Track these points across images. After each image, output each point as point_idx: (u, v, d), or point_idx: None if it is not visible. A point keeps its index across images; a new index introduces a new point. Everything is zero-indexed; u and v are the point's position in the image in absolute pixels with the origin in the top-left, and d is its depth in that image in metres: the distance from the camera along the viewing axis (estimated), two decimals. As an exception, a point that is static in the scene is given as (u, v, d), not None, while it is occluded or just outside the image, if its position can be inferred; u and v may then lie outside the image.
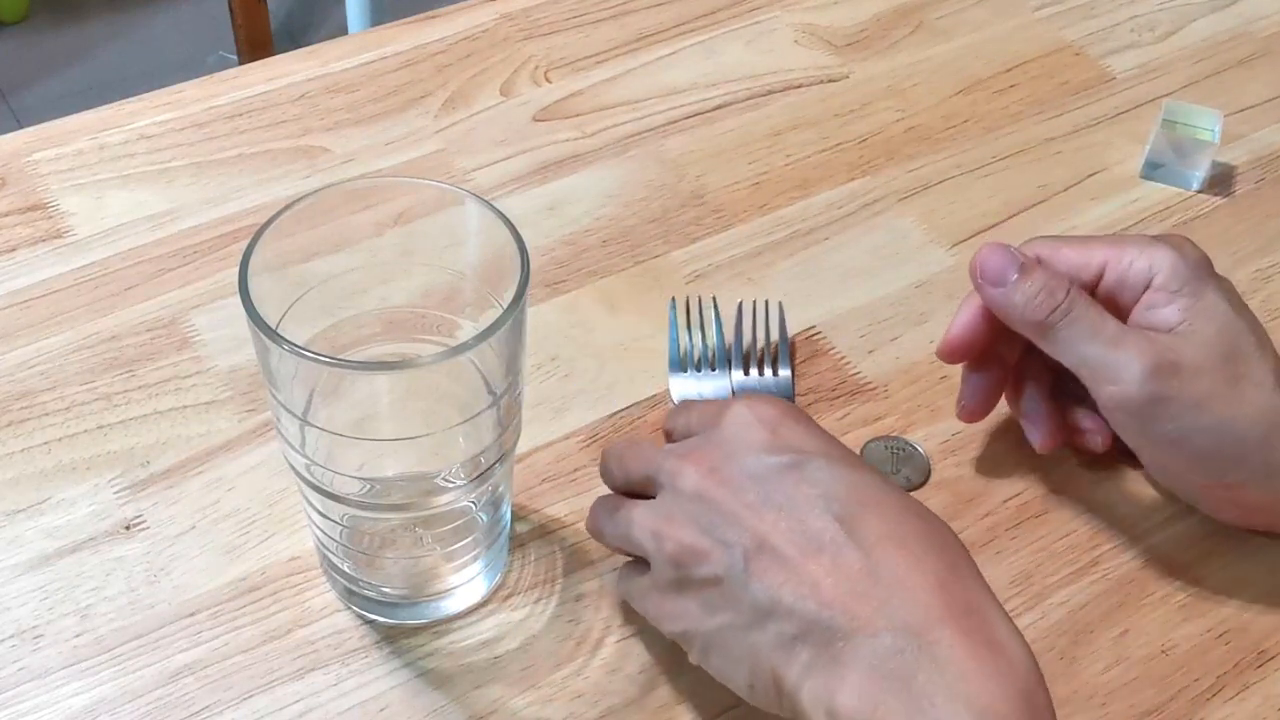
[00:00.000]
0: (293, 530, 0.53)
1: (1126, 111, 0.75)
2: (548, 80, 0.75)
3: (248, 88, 0.73)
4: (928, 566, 0.41)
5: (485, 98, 0.73)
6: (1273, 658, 0.51)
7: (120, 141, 0.70)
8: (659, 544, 0.45)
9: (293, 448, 0.45)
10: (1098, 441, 0.54)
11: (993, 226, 0.68)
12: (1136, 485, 0.57)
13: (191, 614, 0.51)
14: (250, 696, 0.48)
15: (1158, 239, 0.52)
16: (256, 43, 1.93)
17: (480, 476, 0.46)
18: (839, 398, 0.59)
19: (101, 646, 0.50)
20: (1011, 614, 0.51)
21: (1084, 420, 0.55)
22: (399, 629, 0.50)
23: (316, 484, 0.46)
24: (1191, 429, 0.48)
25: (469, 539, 0.49)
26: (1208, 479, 0.51)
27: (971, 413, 0.55)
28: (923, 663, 0.39)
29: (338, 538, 0.49)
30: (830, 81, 0.76)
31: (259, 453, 0.56)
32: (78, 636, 0.50)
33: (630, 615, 0.51)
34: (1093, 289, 0.52)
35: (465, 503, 0.48)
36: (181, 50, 2.12)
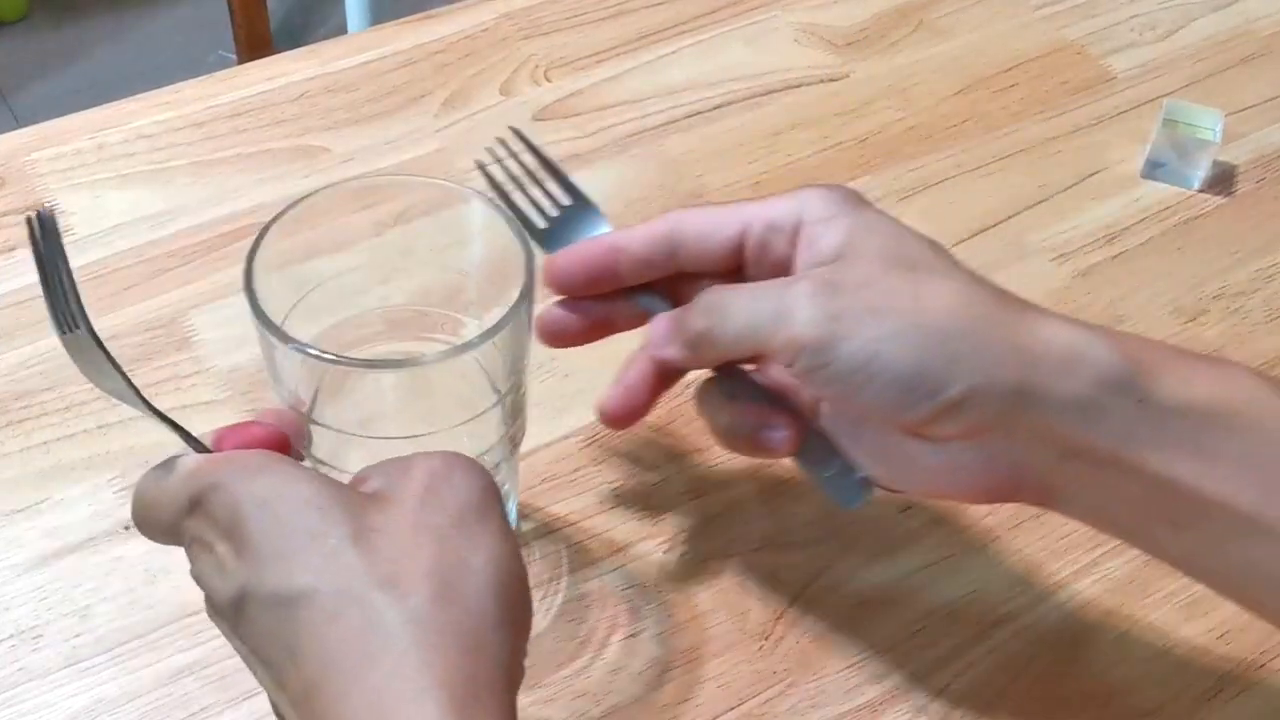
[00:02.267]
0: (292, 530, 0.53)
1: (1127, 111, 0.75)
2: (548, 80, 0.75)
3: (247, 87, 0.73)
4: (351, 705, 0.34)
5: (485, 97, 0.73)
6: (1274, 658, 0.51)
7: (119, 141, 0.70)
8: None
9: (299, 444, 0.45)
10: (777, 438, 0.45)
11: (993, 226, 0.68)
12: (1137, 485, 0.56)
13: (191, 614, 0.51)
14: (250, 696, 0.48)
15: (802, 186, 0.46)
16: (256, 42, 1.93)
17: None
18: (839, 397, 0.59)
19: (101, 646, 0.50)
20: (1012, 614, 0.52)
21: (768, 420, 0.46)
22: (399, 629, 0.50)
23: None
24: (876, 340, 0.40)
25: None
26: (925, 405, 0.40)
27: (615, 418, 0.47)
28: None
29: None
30: (830, 81, 0.76)
31: (259, 453, 0.56)
32: (77, 636, 0.50)
33: (634, 615, 0.51)
34: (734, 249, 0.45)
35: None
36: (181, 50, 2.11)
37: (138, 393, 0.38)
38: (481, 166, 0.50)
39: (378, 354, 0.47)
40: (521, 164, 0.50)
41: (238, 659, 0.49)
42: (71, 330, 0.36)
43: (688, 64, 0.77)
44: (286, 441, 0.40)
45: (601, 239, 0.47)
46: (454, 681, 0.33)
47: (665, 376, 0.47)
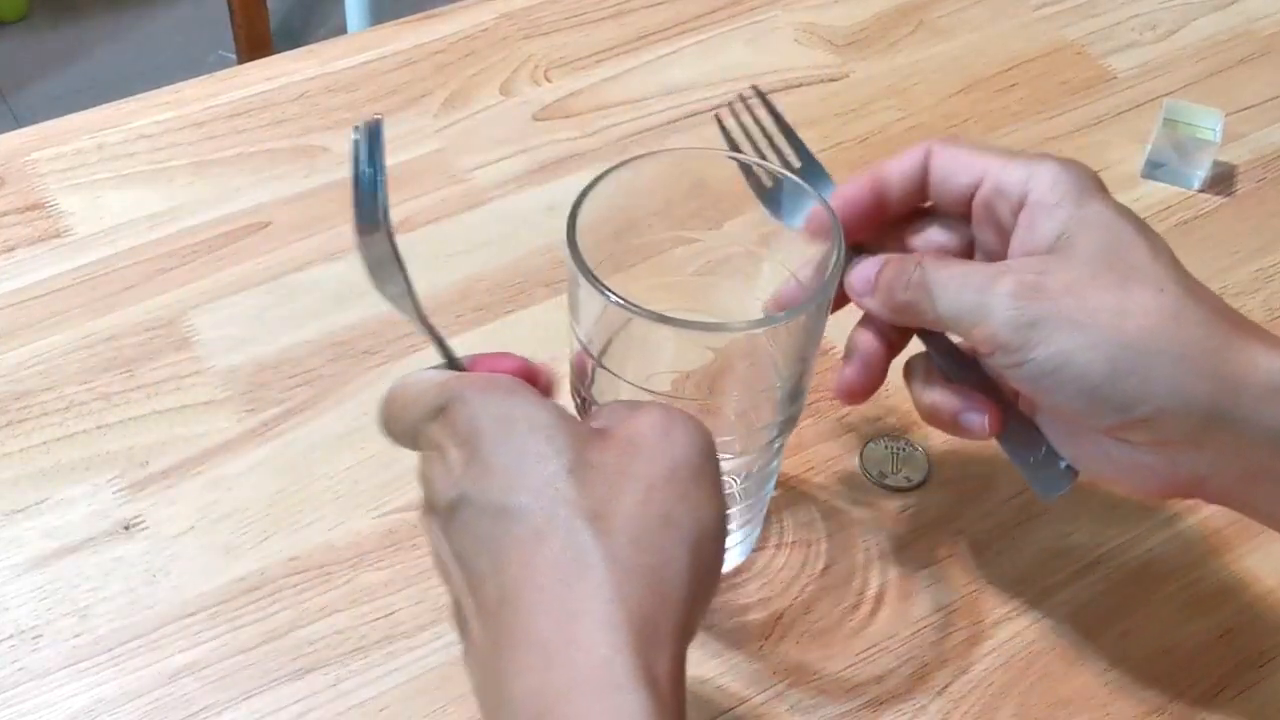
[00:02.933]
0: (292, 530, 0.53)
1: (1127, 111, 0.75)
2: (548, 80, 0.75)
3: (247, 87, 0.73)
4: (539, 626, 0.35)
5: (485, 97, 0.73)
6: (1274, 658, 0.51)
7: (119, 141, 0.70)
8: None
9: (577, 388, 0.47)
10: (976, 423, 0.46)
11: (993, 226, 0.67)
12: (1137, 485, 0.57)
13: (191, 614, 0.51)
14: (249, 697, 0.48)
15: (1045, 154, 0.46)
16: (256, 42, 1.93)
17: (747, 455, 0.48)
18: (839, 397, 0.59)
19: (101, 646, 0.50)
20: (1012, 614, 0.52)
21: (964, 402, 0.47)
22: (399, 628, 0.50)
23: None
24: (1070, 351, 0.41)
25: (728, 511, 0.50)
26: (1113, 418, 0.42)
27: (853, 393, 0.49)
28: None
29: None
30: (830, 81, 0.76)
31: (258, 453, 0.56)
32: (77, 637, 0.50)
33: (630, 615, 0.51)
34: (969, 197, 0.46)
35: (727, 476, 0.49)
36: (181, 50, 2.11)
37: (416, 304, 0.40)
38: (719, 119, 0.51)
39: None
40: (758, 121, 0.51)
41: (238, 659, 0.49)
42: (372, 232, 0.38)
43: (688, 64, 0.77)
44: (534, 374, 0.42)
45: (863, 175, 0.48)
46: (638, 621, 0.35)
47: (893, 345, 0.48)
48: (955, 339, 0.47)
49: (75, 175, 0.68)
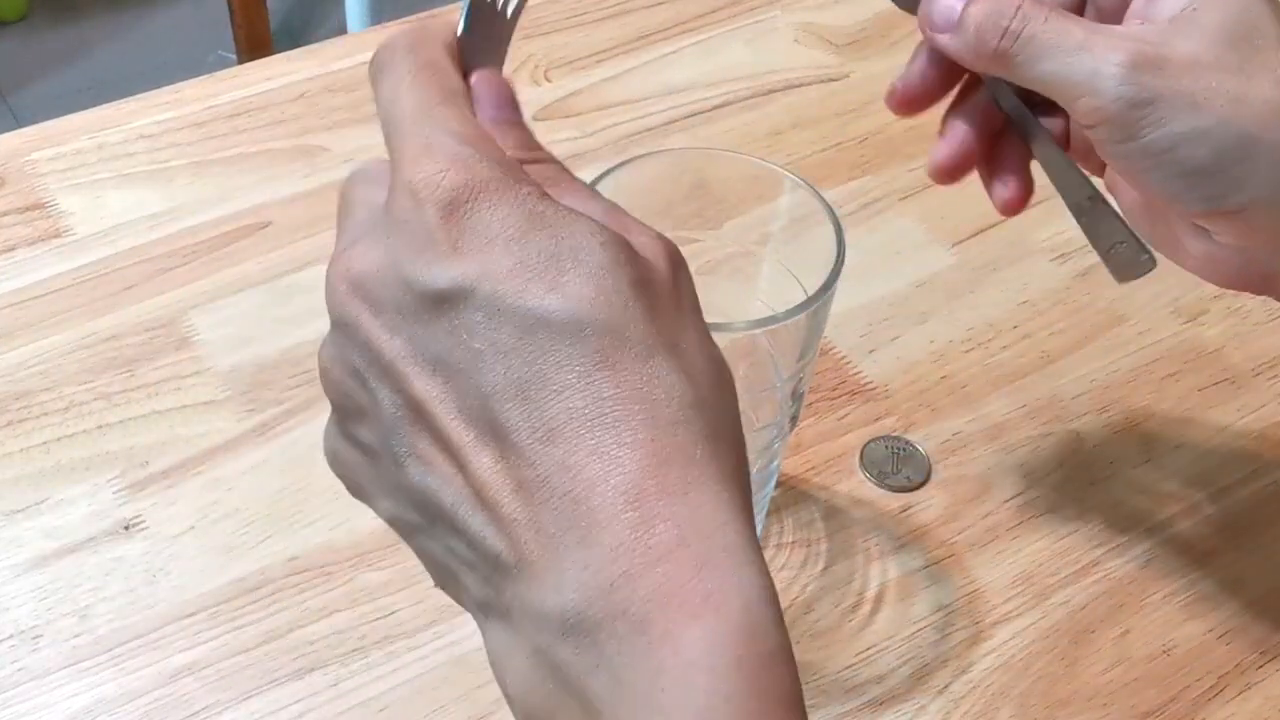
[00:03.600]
0: (292, 530, 0.53)
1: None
2: (548, 80, 0.75)
3: (247, 87, 0.73)
4: (620, 463, 0.27)
5: (485, 97, 0.73)
6: (1274, 658, 0.51)
7: (119, 141, 0.70)
8: (320, 361, 0.32)
9: None
10: (999, 194, 0.46)
11: (993, 226, 0.67)
12: (1137, 485, 0.56)
13: (191, 614, 0.51)
14: (249, 697, 0.48)
15: None
16: (256, 42, 1.93)
17: (752, 453, 0.48)
18: (839, 398, 0.59)
19: (101, 647, 0.50)
20: (1012, 615, 0.52)
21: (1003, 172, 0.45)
22: (399, 628, 0.50)
23: None
24: (1183, 135, 0.39)
25: None
26: (1204, 205, 0.40)
27: (948, 170, 0.46)
28: (600, 653, 0.27)
29: None
30: (830, 81, 0.76)
31: (259, 453, 0.56)
32: (77, 637, 0.50)
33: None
34: None
35: None
36: (181, 50, 2.11)
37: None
38: None
39: None
40: None
41: (238, 659, 0.49)
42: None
43: (688, 64, 0.77)
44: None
45: None
46: (735, 484, 0.29)
47: (987, 123, 0.45)
48: None
49: (75, 175, 0.68)
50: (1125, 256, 0.44)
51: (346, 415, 0.32)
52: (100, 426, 0.57)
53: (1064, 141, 0.45)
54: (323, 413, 0.57)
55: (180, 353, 0.60)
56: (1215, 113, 0.38)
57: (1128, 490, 0.56)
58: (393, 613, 0.51)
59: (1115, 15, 0.42)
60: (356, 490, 0.33)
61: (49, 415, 0.57)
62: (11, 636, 0.50)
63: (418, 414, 0.29)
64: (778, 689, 0.27)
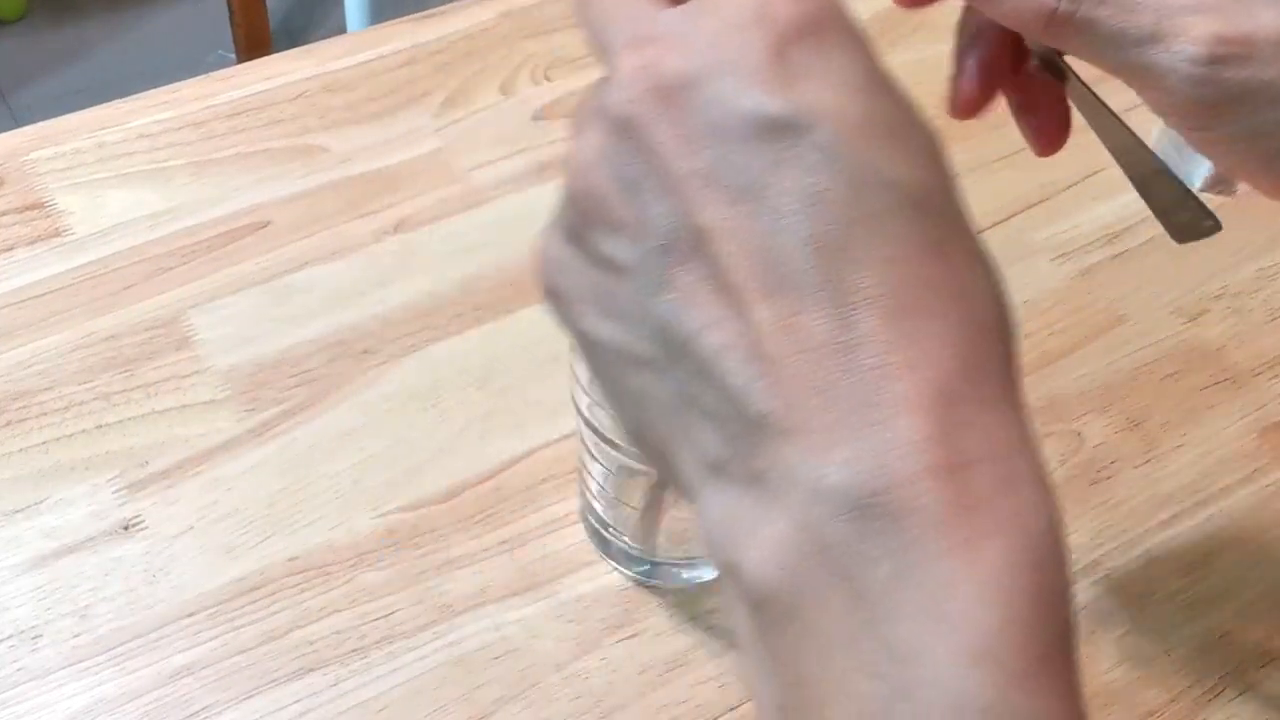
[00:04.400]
0: (292, 530, 0.53)
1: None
2: (547, 79, 0.75)
3: (246, 87, 0.73)
4: (929, 364, 0.25)
5: (485, 96, 0.73)
6: (1274, 658, 0.51)
7: (118, 140, 0.70)
8: (570, 162, 0.29)
9: (580, 385, 0.46)
10: (1032, 129, 0.42)
11: (995, 225, 0.67)
12: (1137, 485, 0.56)
13: (191, 614, 0.51)
14: (249, 696, 0.48)
15: None
16: (255, 42, 1.93)
17: None
18: (839, 397, 0.59)
19: (101, 646, 0.50)
20: (1013, 614, 0.52)
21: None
22: (399, 628, 0.50)
23: (595, 425, 0.47)
24: (1267, 126, 0.35)
25: None
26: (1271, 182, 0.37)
27: (969, 103, 0.43)
28: (887, 543, 0.24)
29: (606, 485, 0.50)
30: (830, 80, 0.76)
31: (258, 453, 0.56)
32: (77, 636, 0.50)
33: (631, 616, 0.51)
34: None
35: None
36: (180, 49, 2.11)
37: None
38: None
39: None
40: None
41: (238, 659, 0.49)
42: None
43: (688, 63, 0.76)
44: None
45: None
46: (1023, 402, 0.27)
47: (1004, 51, 0.40)
48: None
49: (74, 175, 0.68)
50: (1187, 220, 0.41)
51: (593, 223, 0.28)
52: (100, 426, 0.57)
53: None
54: (322, 412, 0.57)
55: (180, 353, 0.60)
56: None
57: (1128, 490, 0.56)
58: (393, 613, 0.51)
59: None
60: (564, 302, 0.29)
61: (48, 415, 0.57)
62: (11, 636, 0.50)
63: (699, 243, 0.26)
64: (1063, 628, 0.25)
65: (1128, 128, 0.41)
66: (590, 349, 0.29)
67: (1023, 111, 0.41)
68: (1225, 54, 0.34)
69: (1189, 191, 0.41)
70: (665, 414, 0.27)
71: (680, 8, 0.29)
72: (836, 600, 0.24)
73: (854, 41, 0.27)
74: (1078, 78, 0.41)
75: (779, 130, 0.26)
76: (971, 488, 0.24)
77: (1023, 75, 0.41)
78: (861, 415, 0.24)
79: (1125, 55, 0.35)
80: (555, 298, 0.30)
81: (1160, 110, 0.36)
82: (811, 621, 0.25)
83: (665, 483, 0.30)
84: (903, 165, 0.26)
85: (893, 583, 0.24)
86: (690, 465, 0.27)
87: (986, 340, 0.26)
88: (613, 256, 0.28)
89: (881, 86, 0.27)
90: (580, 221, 0.28)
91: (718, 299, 0.26)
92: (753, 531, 0.25)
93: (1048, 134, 0.41)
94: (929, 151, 0.27)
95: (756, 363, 0.25)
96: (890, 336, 0.25)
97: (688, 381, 0.26)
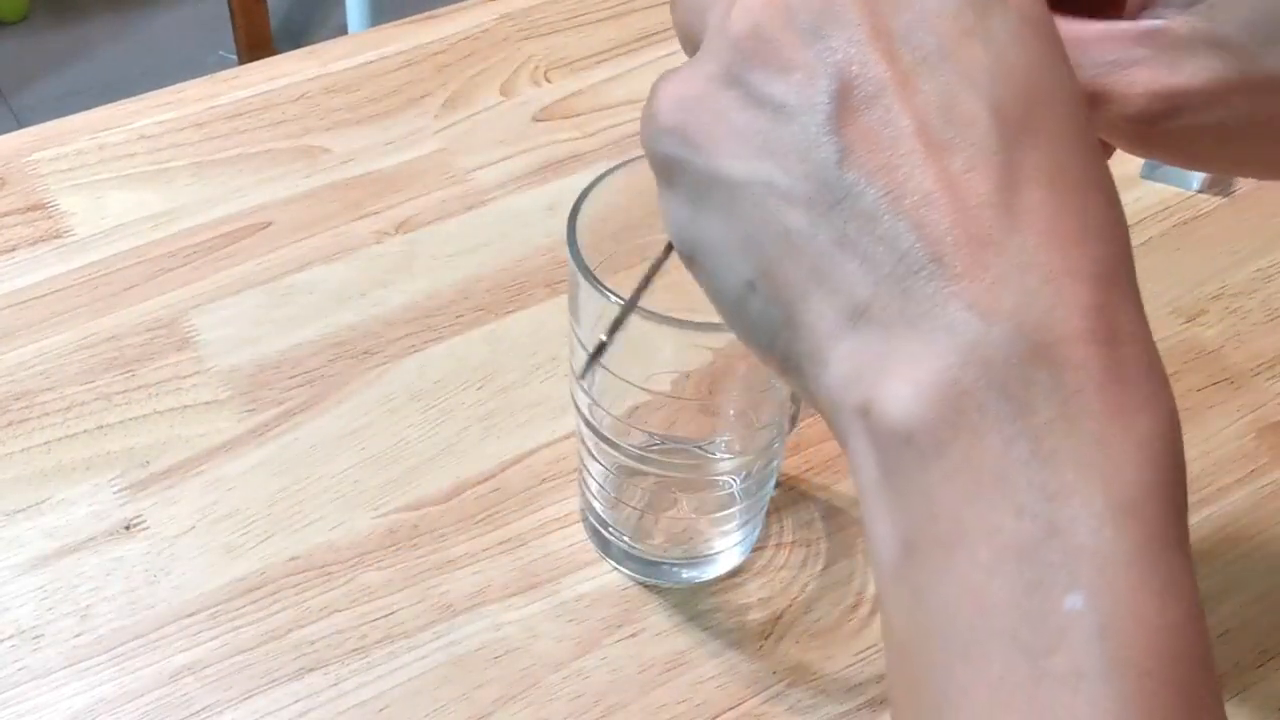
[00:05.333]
0: (292, 530, 0.53)
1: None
2: (548, 80, 0.75)
3: (247, 88, 0.73)
4: (1090, 244, 0.27)
5: (485, 97, 0.73)
6: (1273, 657, 0.51)
7: (120, 141, 0.70)
8: (733, 5, 0.29)
9: (579, 385, 0.47)
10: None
11: (993, 226, 0.68)
12: (1137, 485, 0.57)
13: (191, 614, 0.51)
14: (250, 696, 0.48)
15: None
16: (256, 43, 1.93)
17: (747, 455, 0.48)
18: (839, 398, 0.59)
19: (101, 646, 0.50)
20: (1012, 614, 0.52)
21: None
22: (399, 628, 0.50)
23: (594, 425, 0.47)
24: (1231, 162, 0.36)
25: (728, 510, 0.51)
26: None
27: None
28: (1050, 392, 0.25)
29: (606, 485, 0.50)
30: (830, 81, 0.76)
31: (259, 453, 0.56)
32: (77, 636, 0.50)
33: (631, 616, 0.51)
34: None
35: (727, 476, 0.49)
36: (181, 50, 2.12)
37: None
38: None
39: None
40: None
41: (238, 659, 0.49)
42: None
43: (688, 64, 0.77)
44: None
45: None
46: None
47: None
48: None
49: (76, 176, 0.68)
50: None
51: (758, 63, 0.28)
52: (101, 426, 0.57)
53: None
54: (323, 412, 0.58)
55: (181, 353, 0.60)
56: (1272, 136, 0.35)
57: (1127, 490, 0.56)
58: (393, 613, 0.51)
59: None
60: (703, 140, 0.29)
61: (49, 415, 0.57)
62: (12, 636, 0.50)
63: (879, 92, 0.27)
64: (1184, 506, 0.27)
65: None
66: (731, 190, 0.29)
67: None
68: (1157, 103, 0.36)
69: None
70: (811, 257, 0.27)
71: None
72: (993, 437, 0.25)
73: None
74: None
75: (965, 5, 0.27)
76: (1125, 361, 0.26)
77: None
78: (1030, 273, 0.26)
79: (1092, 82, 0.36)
80: (688, 136, 0.29)
81: (1111, 133, 0.37)
82: (962, 457, 0.25)
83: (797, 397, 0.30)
84: (1065, 66, 0.28)
85: (1052, 428, 0.25)
86: (829, 312, 0.27)
87: (1123, 234, 0.28)
88: (778, 97, 0.28)
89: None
90: (739, 61, 0.29)
91: (894, 146, 0.27)
92: (903, 367, 0.26)
93: None
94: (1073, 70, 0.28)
95: (927, 209, 0.26)
96: (1055, 209, 0.26)
97: (848, 222, 0.27)
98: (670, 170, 0.30)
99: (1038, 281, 0.26)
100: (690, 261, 0.30)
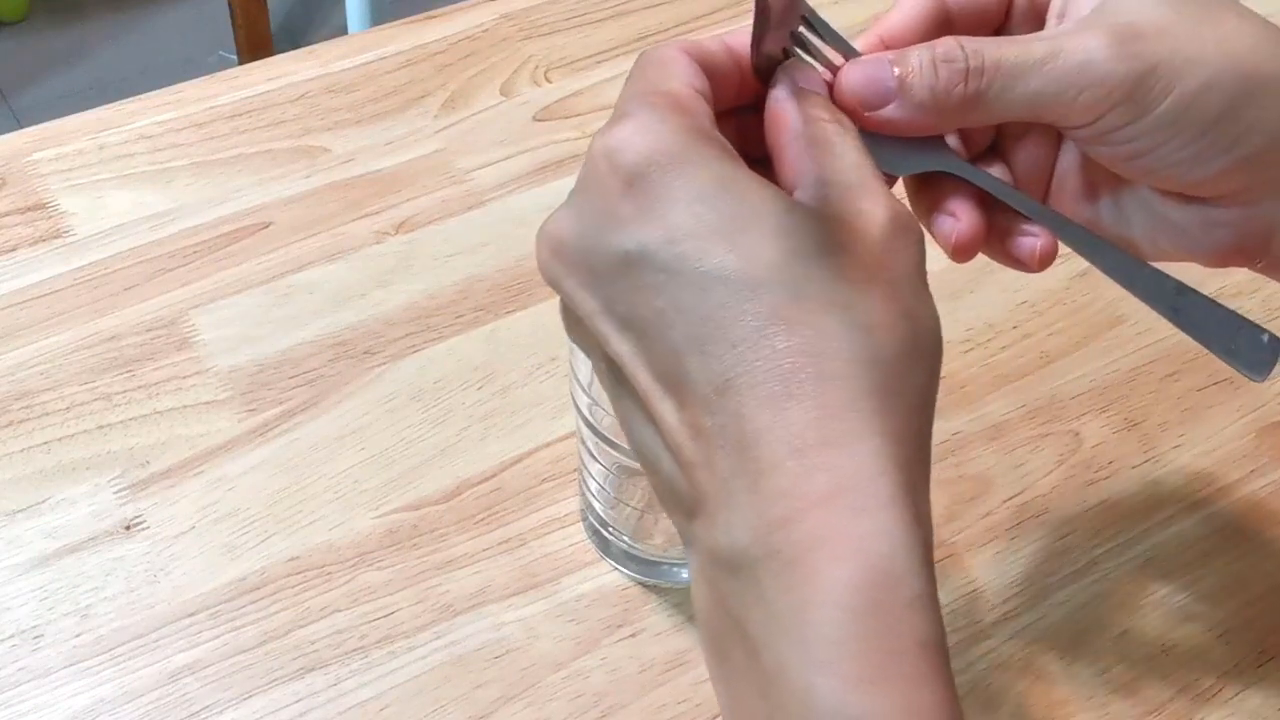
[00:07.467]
0: (292, 530, 0.53)
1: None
2: (548, 80, 0.75)
3: (248, 88, 0.73)
4: (787, 416, 0.29)
5: (485, 98, 0.73)
6: (1273, 657, 0.51)
7: (120, 141, 0.70)
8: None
9: (579, 385, 0.47)
10: (1036, 246, 0.42)
11: (993, 226, 0.68)
12: (1135, 485, 0.57)
13: (191, 614, 0.51)
14: (250, 696, 0.48)
15: None
16: (256, 43, 1.93)
17: None
18: (839, 398, 0.59)
19: (101, 646, 0.50)
20: (1011, 614, 0.52)
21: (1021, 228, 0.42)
22: (399, 628, 0.51)
23: (594, 425, 0.47)
24: (1195, 91, 0.36)
25: None
26: (1221, 162, 0.38)
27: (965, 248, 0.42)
28: (758, 590, 0.30)
29: (606, 486, 0.50)
30: (830, 81, 0.76)
31: (259, 453, 0.56)
32: (78, 636, 0.50)
33: (631, 616, 0.51)
34: (1005, 11, 0.40)
35: None
36: (181, 50, 2.12)
37: None
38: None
39: None
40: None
41: (238, 659, 0.49)
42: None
43: (688, 64, 0.76)
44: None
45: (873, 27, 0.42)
46: (904, 443, 0.30)
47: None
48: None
49: (76, 176, 0.68)
50: (1249, 347, 0.41)
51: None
52: (101, 426, 0.57)
53: (1035, 185, 0.42)
54: (323, 412, 0.58)
55: (181, 353, 0.60)
56: (1213, 61, 0.36)
57: (1128, 490, 0.56)
58: (393, 613, 0.51)
59: (1036, 27, 0.40)
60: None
61: (50, 415, 0.57)
62: (12, 636, 0.50)
63: (618, 367, 0.32)
64: (915, 633, 0.29)
65: (1145, 263, 0.42)
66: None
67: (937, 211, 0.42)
68: (1128, 37, 0.36)
69: (1239, 315, 0.40)
70: (661, 497, 0.33)
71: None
72: (732, 641, 0.30)
73: (697, 160, 0.31)
74: (1048, 209, 0.41)
75: (632, 264, 0.31)
76: (819, 526, 0.29)
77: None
78: (736, 485, 0.30)
79: (1044, 75, 0.36)
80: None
81: (1096, 108, 0.37)
82: (725, 659, 0.31)
83: None
84: (731, 256, 0.30)
85: (766, 621, 0.29)
86: (676, 526, 0.33)
87: (841, 382, 0.30)
88: (596, 366, 0.34)
89: (722, 190, 0.31)
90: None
91: (643, 408, 0.32)
92: (694, 586, 0.32)
93: (970, 231, 0.42)
94: (768, 231, 0.31)
95: (670, 455, 0.31)
96: (748, 409, 0.30)
97: (652, 475, 0.33)
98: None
99: (741, 491, 0.30)
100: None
